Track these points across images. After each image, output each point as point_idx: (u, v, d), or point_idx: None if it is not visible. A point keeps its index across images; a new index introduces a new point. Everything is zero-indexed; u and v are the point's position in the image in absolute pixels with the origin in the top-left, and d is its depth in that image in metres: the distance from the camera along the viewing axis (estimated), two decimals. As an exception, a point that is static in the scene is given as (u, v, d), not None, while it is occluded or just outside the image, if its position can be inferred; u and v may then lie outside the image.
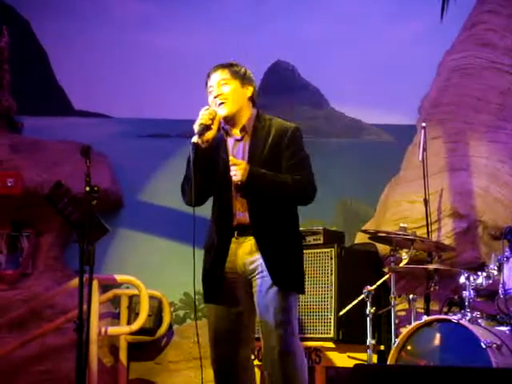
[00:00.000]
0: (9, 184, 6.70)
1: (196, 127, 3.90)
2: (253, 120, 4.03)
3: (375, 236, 5.64)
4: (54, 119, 8.00)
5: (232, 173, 3.85)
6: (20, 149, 7.16)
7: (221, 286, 3.97)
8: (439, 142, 6.75)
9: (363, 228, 6.67)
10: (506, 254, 4.90)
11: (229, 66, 4.08)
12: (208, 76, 4.09)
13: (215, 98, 4.01)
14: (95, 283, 5.76)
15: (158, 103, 7.95)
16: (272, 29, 7.88)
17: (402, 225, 5.58)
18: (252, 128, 4.01)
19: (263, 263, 3.88)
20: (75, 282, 5.97)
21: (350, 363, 5.54)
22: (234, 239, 3.97)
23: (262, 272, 3.90)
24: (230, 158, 3.91)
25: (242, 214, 3.95)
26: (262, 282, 3.88)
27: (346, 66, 7.80)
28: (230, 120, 4.04)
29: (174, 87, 7.89)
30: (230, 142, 4.07)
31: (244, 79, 4.05)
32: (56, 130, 7.77)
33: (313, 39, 7.82)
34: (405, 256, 5.43)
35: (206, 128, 3.90)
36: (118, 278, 6.28)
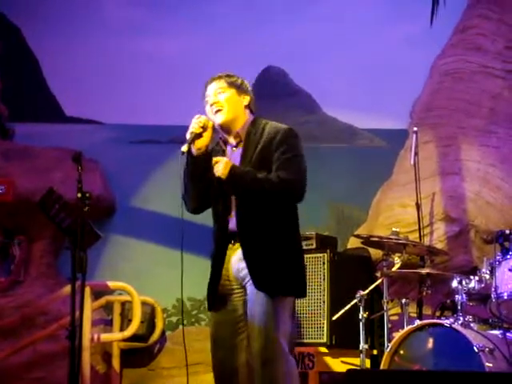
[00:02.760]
0: (0, 191, 6.68)
1: (187, 135, 3.93)
2: (247, 126, 4.04)
3: (368, 241, 5.64)
4: (46, 126, 7.99)
5: (215, 169, 3.87)
6: (11, 156, 7.14)
7: (218, 294, 3.96)
8: (431, 147, 6.76)
9: (356, 233, 6.68)
10: (498, 257, 4.91)
11: (225, 76, 4.10)
12: (205, 87, 4.11)
13: (211, 105, 4.03)
14: (87, 290, 5.75)
15: (149, 109, 7.95)
16: (263, 34, 7.89)
17: (394, 229, 5.59)
18: (246, 133, 4.01)
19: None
20: (67, 288, 5.94)
21: (343, 368, 5.54)
22: (230, 246, 3.96)
23: (250, 278, 3.90)
24: (215, 158, 3.92)
25: (234, 221, 3.94)
26: (251, 288, 3.88)
27: (337, 71, 7.82)
28: (226, 128, 4.04)
29: (165, 93, 7.90)
30: (228, 150, 4.08)
31: (240, 88, 4.07)
32: (48, 136, 7.76)
33: (304, 44, 7.83)
34: (397, 260, 5.44)
35: (196, 136, 3.92)
36: (111, 284, 6.27)
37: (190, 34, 8.05)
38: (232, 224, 3.95)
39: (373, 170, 7.40)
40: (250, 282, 3.87)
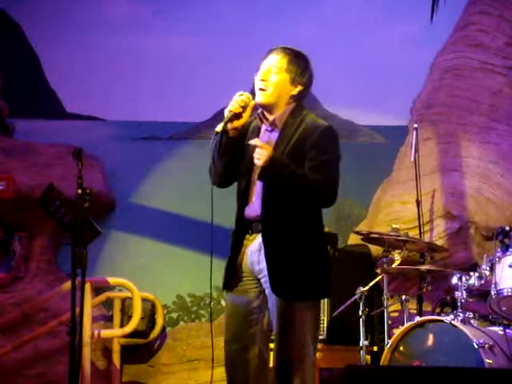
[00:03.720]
0: (0, 187, 6.68)
1: (225, 113, 3.74)
2: (286, 115, 3.83)
3: (368, 237, 5.65)
4: (46, 122, 7.98)
5: (255, 155, 3.65)
6: (12, 152, 7.14)
7: (234, 280, 3.82)
8: (431, 143, 6.77)
9: (356, 229, 6.68)
10: (498, 254, 4.91)
11: (292, 54, 3.87)
12: (268, 52, 3.90)
13: (260, 80, 3.83)
14: (88, 286, 5.73)
15: (150, 106, 7.94)
16: (264, 31, 7.88)
17: (394, 226, 5.59)
18: (283, 123, 3.82)
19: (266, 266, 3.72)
20: (68, 285, 5.95)
21: (343, 364, 5.52)
22: (247, 235, 3.80)
23: (267, 277, 3.73)
24: (257, 140, 3.69)
25: (254, 208, 3.77)
26: (267, 285, 3.72)
27: (338, 68, 7.81)
28: (264, 108, 3.85)
29: (166, 90, 7.89)
30: (263, 129, 3.89)
31: (297, 76, 3.84)
32: (48, 132, 7.76)
33: (305, 41, 7.80)
34: (397, 257, 5.44)
35: (235, 116, 3.74)
36: (111, 280, 6.27)
37: (190, 31, 8.04)
38: (250, 211, 3.79)
39: (373, 167, 7.40)
40: (266, 278, 3.71)
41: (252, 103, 3.78)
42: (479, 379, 3.42)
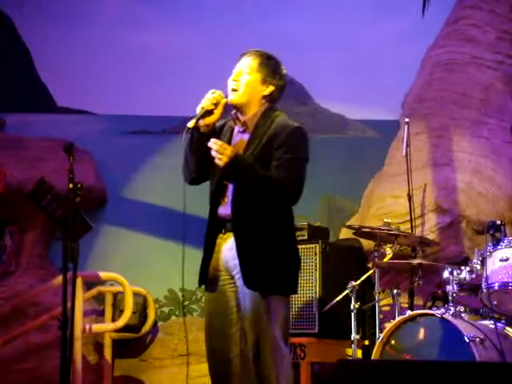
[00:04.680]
0: (-9, 181, 6.67)
1: (197, 110, 3.82)
2: (258, 116, 3.90)
3: (359, 231, 5.66)
4: (37, 116, 7.96)
5: (215, 155, 3.69)
6: (2, 146, 7.12)
7: (210, 284, 3.91)
8: (423, 138, 6.77)
9: (347, 223, 6.70)
10: (489, 248, 4.92)
11: (263, 56, 3.95)
12: (241, 55, 3.97)
13: (232, 79, 3.91)
14: (79, 280, 5.74)
15: (141, 100, 7.93)
16: (256, 26, 7.87)
17: (385, 220, 5.60)
18: (255, 124, 3.88)
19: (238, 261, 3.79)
20: (59, 279, 5.94)
21: (335, 358, 5.54)
22: (221, 234, 3.89)
23: (240, 273, 3.82)
24: (217, 142, 3.71)
25: (227, 208, 3.85)
26: (241, 281, 3.80)
27: (330, 62, 7.80)
28: (237, 108, 3.92)
29: (157, 84, 7.88)
30: (236, 129, 3.96)
31: (268, 76, 3.91)
32: (39, 126, 7.73)
33: (297, 35, 7.82)
34: (389, 251, 5.45)
35: (207, 112, 3.81)
36: (102, 275, 6.26)
37: (182, 25, 8.02)
38: (223, 210, 3.86)
39: (365, 161, 7.40)
40: (240, 275, 3.79)
41: (224, 101, 3.86)
42: (470, 373, 3.43)
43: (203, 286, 4.01)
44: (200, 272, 3.95)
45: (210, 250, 3.91)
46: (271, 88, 3.93)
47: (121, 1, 8.25)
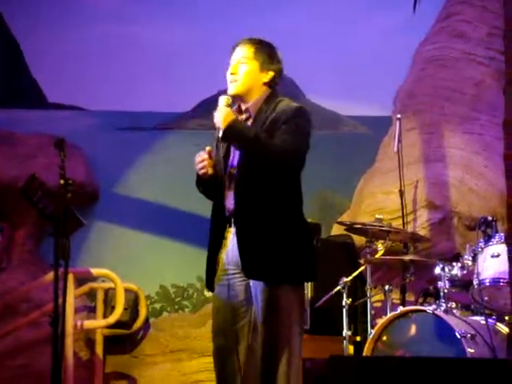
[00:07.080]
0: (-18, 178, 6.64)
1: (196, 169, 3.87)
2: (260, 103, 3.88)
3: (351, 227, 5.66)
4: (28, 112, 7.93)
5: (214, 119, 3.75)
6: (-7, 142, 7.09)
7: (218, 273, 3.86)
8: (414, 134, 6.78)
9: (339, 219, 6.70)
10: (481, 244, 4.94)
11: (258, 43, 3.94)
12: (234, 46, 3.96)
13: (230, 73, 3.90)
14: (70, 277, 5.72)
15: (133, 96, 7.91)
16: (248, 22, 7.86)
17: (377, 216, 5.61)
18: (257, 110, 3.87)
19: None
20: (50, 275, 5.91)
21: (327, 354, 5.53)
22: (229, 229, 3.84)
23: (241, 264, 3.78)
24: (221, 108, 3.79)
25: (231, 205, 3.83)
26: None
27: (321, 58, 7.81)
28: (238, 99, 3.91)
29: (150, 80, 7.86)
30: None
31: (265, 63, 3.90)
32: (30, 122, 7.70)
33: (288, 31, 7.81)
34: (381, 247, 5.46)
35: (201, 175, 3.86)
36: (94, 271, 6.25)
37: (176, 21, 8.00)
38: (228, 203, 3.83)
39: (356, 157, 7.41)
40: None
41: (230, 101, 3.84)
42: (461, 369, 3.44)
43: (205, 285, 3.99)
44: (206, 276, 3.92)
45: (218, 245, 3.87)
46: (271, 74, 3.92)
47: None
